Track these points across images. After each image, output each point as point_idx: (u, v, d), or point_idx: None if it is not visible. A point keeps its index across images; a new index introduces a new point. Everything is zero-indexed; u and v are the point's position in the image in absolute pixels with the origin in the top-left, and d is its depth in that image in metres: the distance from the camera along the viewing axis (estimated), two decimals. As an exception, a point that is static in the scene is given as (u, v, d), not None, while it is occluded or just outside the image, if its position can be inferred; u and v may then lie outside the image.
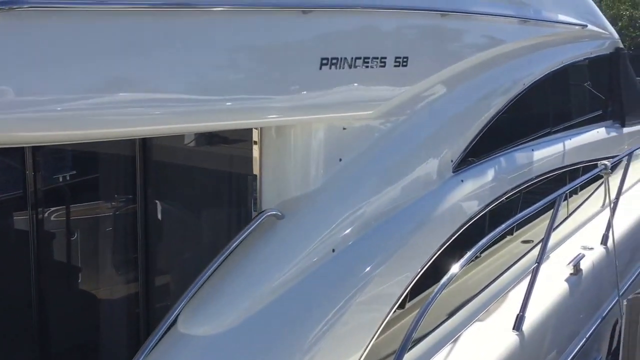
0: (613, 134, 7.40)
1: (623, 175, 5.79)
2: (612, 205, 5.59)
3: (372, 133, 3.81)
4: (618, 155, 5.95)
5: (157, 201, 3.96)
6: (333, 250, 3.40)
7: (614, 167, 6.06)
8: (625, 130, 7.75)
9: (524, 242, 5.64)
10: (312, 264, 3.28)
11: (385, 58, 3.66)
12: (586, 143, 6.57)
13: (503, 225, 3.95)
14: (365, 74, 3.54)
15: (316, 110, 3.38)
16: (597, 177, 5.70)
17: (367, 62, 3.53)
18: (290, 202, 3.43)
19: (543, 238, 4.37)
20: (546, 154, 5.66)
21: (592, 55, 7.04)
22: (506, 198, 4.94)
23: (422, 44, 4.11)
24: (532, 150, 5.47)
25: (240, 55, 2.96)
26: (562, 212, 6.10)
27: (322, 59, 3.23)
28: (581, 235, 5.97)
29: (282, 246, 3.28)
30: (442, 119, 4.39)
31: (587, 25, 6.60)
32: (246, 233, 3.16)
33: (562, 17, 6.17)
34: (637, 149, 6.18)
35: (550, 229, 4.29)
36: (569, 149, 6.13)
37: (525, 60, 5.50)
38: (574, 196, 6.51)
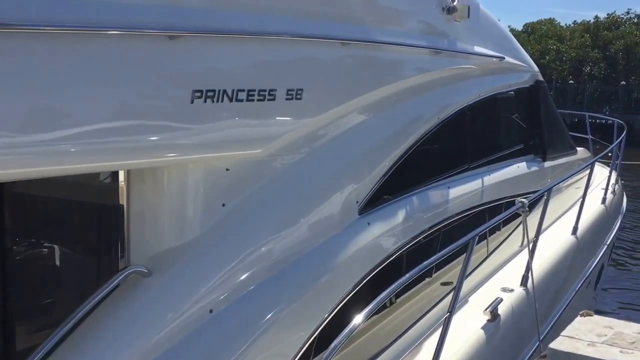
0: (534, 168, 7.21)
1: (542, 212, 5.54)
2: (531, 244, 5.32)
3: (261, 174, 3.41)
4: (538, 191, 5.71)
5: (16, 238, 3.44)
6: (210, 311, 2.96)
7: (532, 205, 5.83)
8: (547, 164, 7.58)
9: (444, 284, 5.31)
10: (183, 328, 2.83)
11: (274, 90, 3.28)
12: (506, 179, 6.33)
13: (413, 271, 3.58)
14: (250, 108, 3.15)
15: (191, 150, 2.96)
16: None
17: (252, 95, 3.14)
18: (163, 256, 2.98)
19: (455, 286, 4.03)
20: (463, 191, 5.38)
21: (511, 88, 6.86)
22: (421, 239, 4.61)
23: (320, 75, 3.76)
24: (448, 188, 5.18)
25: (95, 86, 2.52)
26: (482, 252, 5.83)
27: (195, 91, 2.82)
28: (502, 276, 5.69)
29: (149, 308, 2.83)
30: (346, 157, 4.03)
31: (504, 58, 6.41)
32: (103, 293, 2.70)
33: (478, 49, 5.95)
34: (556, 184, 5.95)
35: (462, 276, 3.95)
36: (489, 186, 5.87)
37: (439, 93, 5.23)
38: (497, 233, 6.25)
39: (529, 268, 5.19)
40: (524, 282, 5.27)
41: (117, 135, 2.61)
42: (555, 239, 6.72)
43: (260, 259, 3.27)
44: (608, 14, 51.79)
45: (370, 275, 3.95)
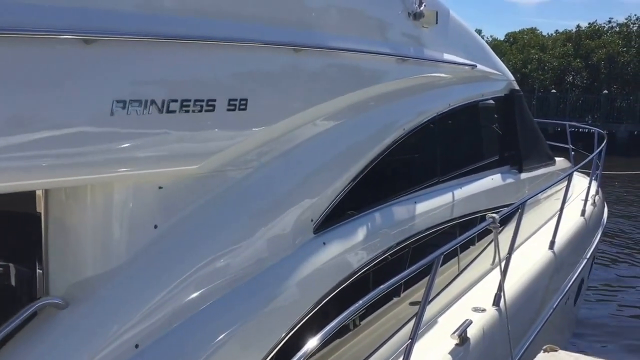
0: (510, 180, 6.96)
1: (516, 227, 5.27)
2: (504, 262, 5.06)
3: (200, 192, 3.11)
4: (512, 205, 5.45)
5: None
6: (136, 347, 2.66)
7: (507, 219, 5.57)
8: (524, 175, 7.32)
9: (412, 303, 5.03)
10: None
11: (214, 100, 2.99)
12: (480, 192, 6.07)
13: (371, 294, 3.28)
14: (184, 120, 2.85)
15: (116, 166, 2.66)
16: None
17: (187, 106, 2.85)
18: (84, 284, 2.67)
19: (417, 312, 3.74)
20: (432, 206, 5.10)
21: (484, 97, 6.61)
22: (385, 258, 4.32)
23: (268, 83, 3.47)
24: (415, 202, 4.90)
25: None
26: (453, 269, 5.56)
27: (116, 101, 2.52)
28: (474, 295, 5.41)
29: (61, 344, 2.52)
30: (299, 172, 3.75)
31: (476, 66, 6.16)
32: (8, 328, 2.39)
33: (448, 57, 5.69)
34: (530, 197, 5.69)
35: (425, 300, 3.67)
36: (460, 199, 5.60)
37: (406, 102, 4.97)
38: (471, 248, 5.99)
39: (501, 287, 4.92)
40: (496, 302, 4.99)
41: (26, 150, 2.31)
42: (532, 254, 6.47)
43: (197, 285, 2.97)
44: (590, 23, 52.05)
45: (327, 299, 3.66)
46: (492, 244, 6.08)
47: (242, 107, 3.18)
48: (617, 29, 50.23)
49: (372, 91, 4.52)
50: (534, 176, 7.65)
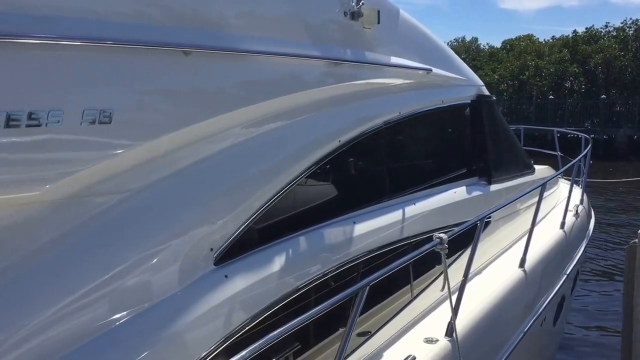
0: (477, 193, 6.41)
1: (472, 247, 4.73)
2: (458, 285, 4.54)
3: (47, 223, 2.59)
4: (466, 222, 4.90)
5: None
6: None
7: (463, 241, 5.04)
8: (494, 187, 6.78)
9: (360, 334, 4.50)
10: None
11: (60, 112, 2.48)
12: (438, 207, 5.52)
13: (275, 332, 2.75)
14: (15, 136, 2.34)
15: None
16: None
17: (17, 119, 2.34)
18: None
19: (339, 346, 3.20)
20: (375, 226, 4.57)
21: (444, 104, 6.08)
22: (310, 290, 3.79)
23: (145, 91, 2.97)
24: (354, 223, 4.37)
25: None
26: (407, 297, 5.02)
27: None
28: (429, 323, 4.88)
29: None
30: (194, 194, 3.22)
31: (431, 70, 5.64)
32: None
33: (395, 60, 5.18)
34: (491, 212, 5.13)
35: (346, 342, 3.13)
36: (413, 217, 5.07)
37: (341, 111, 4.45)
38: (432, 271, 5.46)
39: (454, 315, 4.38)
40: (449, 332, 4.45)
41: None
42: (499, 274, 5.92)
43: (61, 323, 2.45)
44: (586, 28, 51.62)
45: (228, 342, 3.13)
46: (454, 263, 5.56)
47: (105, 119, 2.67)
48: (614, 34, 49.82)
49: (297, 99, 4.01)
50: (507, 187, 7.10)
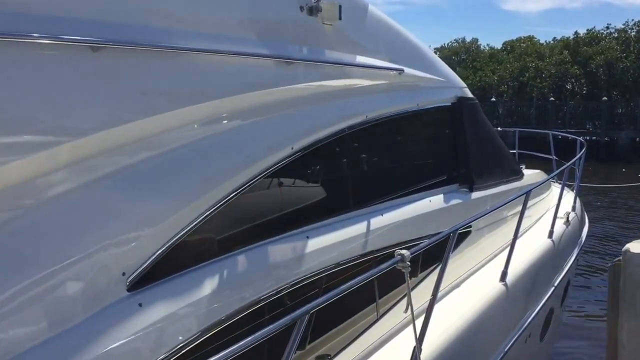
0: (456, 201, 6.00)
1: (443, 264, 4.33)
2: (427, 306, 4.14)
3: None
4: (439, 234, 4.49)
5: None
6: None
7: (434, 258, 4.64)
8: (476, 195, 6.36)
9: (319, 357, 4.10)
10: None
11: None
12: (411, 218, 5.11)
13: None
14: None
15: None
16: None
17: None
18: None
19: None
20: (333, 241, 4.16)
21: (420, 107, 5.67)
22: (243, 319, 3.36)
23: (34, 90, 2.57)
24: (307, 238, 3.96)
25: None
26: (372, 317, 4.62)
27: None
28: (392, 347, 4.48)
29: None
30: (101, 211, 2.82)
31: (403, 70, 5.23)
32: None
33: (361, 59, 4.77)
34: (463, 225, 4.71)
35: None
36: (380, 229, 4.66)
37: (296, 115, 4.05)
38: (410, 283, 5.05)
39: (419, 342, 3.97)
40: (414, 357, 4.04)
41: None
42: (477, 289, 5.52)
43: None
44: (587, 30, 51.20)
45: None
46: (430, 279, 5.15)
47: None
48: (616, 35, 49.36)
49: (241, 101, 3.61)
50: (492, 195, 6.68)
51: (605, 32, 50.39)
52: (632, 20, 50.08)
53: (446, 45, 59.32)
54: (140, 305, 2.80)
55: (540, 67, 49.16)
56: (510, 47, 55.19)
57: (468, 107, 6.53)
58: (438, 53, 58.45)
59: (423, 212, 5.34)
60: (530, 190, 6.14)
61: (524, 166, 10.98)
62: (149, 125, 3.02)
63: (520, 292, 6.01)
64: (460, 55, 57.39)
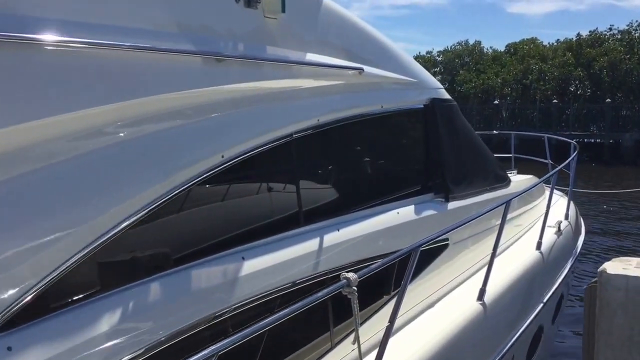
0: (429, 212, 5.50)
1: (403, 285, 3.83)
2: (381, 333, 3.65)
3: None
4: (397, 252, 3.99)
5: None
6: None
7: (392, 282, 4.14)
8: (452, 205, 5.86)
9: None
10: None
11: None
12: (370, 234, 4.61)
13: None
14: None
15: None
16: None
17: None
18: None
19: None
20: (273, 262, 3.68)
21: (385, 110, 5.16)
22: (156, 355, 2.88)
23: None
24: (242, 259, 3.48)
25: None
26: (325, 347, 4.12)
27: None
28: None
29: None
30: None
31: (363, 70, 4.74)
32: None
33: (312, 57, 4.29)
34: (427, 241, 4.19)
35: None
36: (331, 248, 4.17)
37: (227, 119, 3.57)
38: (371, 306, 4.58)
39: None
40: None
41: None
42: (451, 310, 5.02)
43: None
44: (590, 31, 50.64)
45: None
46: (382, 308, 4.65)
47: None
48: (619, 36, 48.79)
49: (158, 103, 3.14)
50: (472, 204, 6.18)
51: (608, 34, 49.85)
52: (636, 21, 49.56)
53: (449, 47, 58.74)
54: (9, 349, 2.33)
55: (543, 70, 48.64)
56: (513, 49, 54.62)
57: (443, 110, 6.03)
58: (441, 56, 58.05)
59: (388, 226, 4.85)
60: (511, 199, 5.63)
61: (515, 172, 10.48)
62: (38, 129, 2.55)
63: (501, 312, 5.51)
64: (464, 58, 56.85)
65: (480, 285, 5.23)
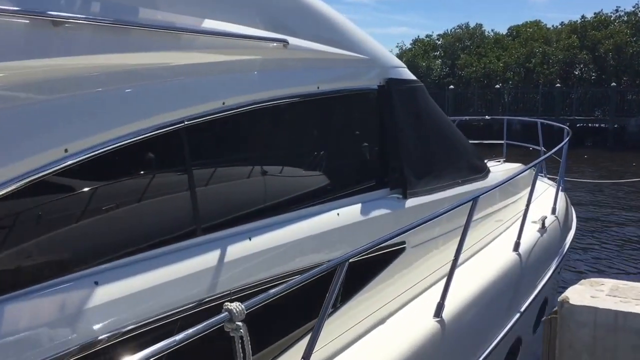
0: (381, 212, 4.67)
1: (319, 319, 3.02)
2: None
3: None
4: (327, 263, 3.17)
5: None
6: None
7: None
8: (412, 202, 5.03)
9: None
10: None
11: None
12: (295, 242, 3.79)
13: None
14: None
15: None
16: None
17: None
18: None
19: None
20: (147, 284, 2.88)
21: (321, 91, 4.33)
22: None
23: None
24: (95, 284, 2.67)
25: None
26: None
27: None
28: None
29: None
30: None
31: (287, 42, 3.90)
32: None
33: (213, 24, 3.45)
34: (353, 255, 3.34)
35: None
36: (241, 262, 3.37)
37: (68, 101, 2.76)
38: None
39: None
40: None
41: None
42: (404, 328, 4.23)
43: None
44: (595, 13, 49.33)
45: None
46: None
47: None
48: (625, 18, 47.54)
49: None
50: (438, 200, 5.34)
51: (614, 16, 48.60)
52: (643, 3, 48.27)
53: (449, 31, 57.43)
54: None
55: (547, 53, 47.44)
56: (516, 32, 53.29)
57: (403, 92, 5.18)
58: (441, 40, 56.77)
59: (322, 231, 4.03)
60: (479, 195, 4.80)
61: (502, 160, 9.62)
62: None
63: (465, 328, 4.70)
64: (464, 42, 55.55)
65: (438, 299, 4.43)
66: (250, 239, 3.48)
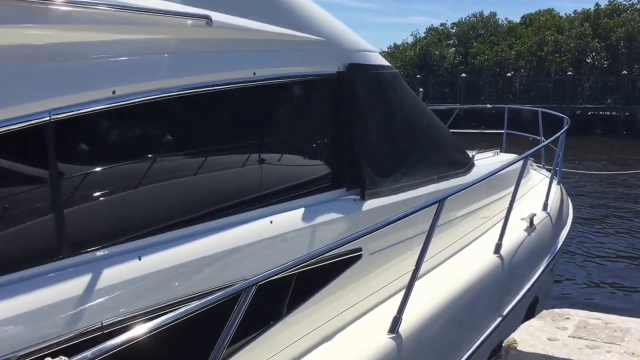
0: (333, 216, 4.17)
1: (225, 330, 2.53)
2: None
3: None
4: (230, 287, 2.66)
5: None
6: None
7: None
8: (370, 204, 4.49)
9: None
10: None
11: None
12: (210, 256, 3.28)
13: None
14: None
15: None
16: None
17: None
18: None
19: None
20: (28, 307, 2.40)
21: (259, 78, 3.77)
22: None
23: None
24: None
25: None
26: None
27: None
28: None
29: None
30: None
31: (211, 19, 3.34)
32: None
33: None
34: (266, 277, 2.73)
35: None
36: (145, 280, 2.88)
37: None
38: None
39: None
40: None
41: None
42: (356, 345, 3.75)
43: None
44: (609, 1, 48.41)
45: None
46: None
47: None
48: (638, 6, 46.76)
49: None
50: (404, 200, 4.80)
51: (627, 3, 47.86)
52: (657, -10, 47.34)
53: (464, 19, 56.65)
54: None
55: (559, 41, 46.68)
56: (529, 20, 52.49)
57: (367, 79, 4.66)
58: (455, 28, 55.99)
59: (245, 243, 3.50)
60: (447, 196, 4.24)
61: (497, 150, 9.01)
62: None
63: (426, 344, 4.18)
64: (478, 30, 54.82)
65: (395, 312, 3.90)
66: (139, 259, 2.94)
